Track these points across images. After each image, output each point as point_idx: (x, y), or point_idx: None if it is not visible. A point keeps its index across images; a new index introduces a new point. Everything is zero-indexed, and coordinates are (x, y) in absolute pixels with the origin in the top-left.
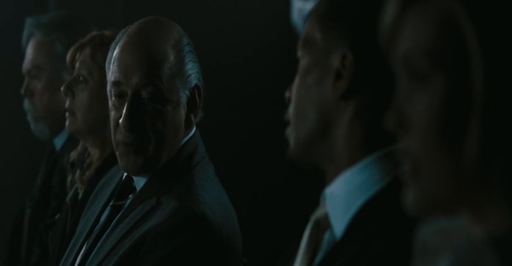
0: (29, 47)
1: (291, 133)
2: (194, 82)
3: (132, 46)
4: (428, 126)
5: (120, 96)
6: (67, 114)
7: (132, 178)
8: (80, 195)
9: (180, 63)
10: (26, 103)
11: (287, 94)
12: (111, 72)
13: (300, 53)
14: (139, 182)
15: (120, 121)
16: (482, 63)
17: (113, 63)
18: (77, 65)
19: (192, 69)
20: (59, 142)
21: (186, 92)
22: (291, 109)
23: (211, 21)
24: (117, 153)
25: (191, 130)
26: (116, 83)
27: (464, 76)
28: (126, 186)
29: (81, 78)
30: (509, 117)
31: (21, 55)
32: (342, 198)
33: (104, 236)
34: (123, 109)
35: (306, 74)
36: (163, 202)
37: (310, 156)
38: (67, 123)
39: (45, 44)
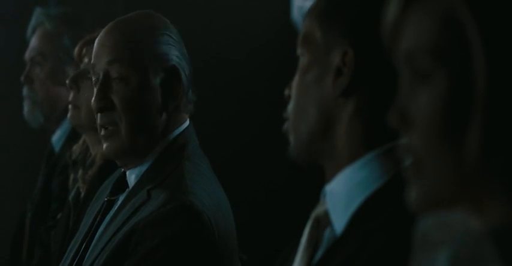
0: (35, 35)
1: (291, 131)
2: (170, 64)
3: (105, 31)
4: (430, 122)
5: (96, 81)
6: (70, 106)
7: (126, 173)
8: (82, 194)
9: (153, 44)
10: (25, 90)
11: (287, 92)
12: None
13: (299, 51)
14: (131, 176)
15: (91, 103)
16: (484, 60)
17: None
18: (85, 60)
19: (168, 51)
20: (57, 143)
21: (160, 74)
22: (291, 107)
23: (211, 19)
24: (102, 141)
25: (183, 123)
26: (92, 66)
27: (466, 73)
28: (120, 181)
29: (88, 74)
30: (510, 114)
31: (21, 54)
32: (342, 195)
33: (99, 232)
34: None
35: (305, 72)
36: (153, 196)
37: (310, 154)
38: (69, 115)
39: (54, 34)
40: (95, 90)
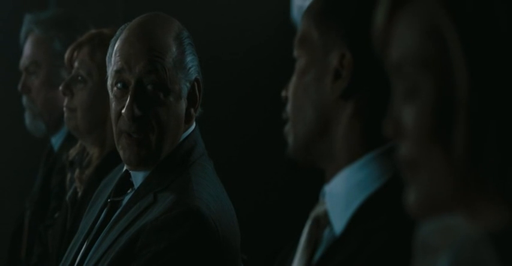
0: (27, 43)
1: (289, 131)
2: (194, 75)
3: (134, 37)
4: (420, 130)
5: (123, 86)
6: (65, 109)
7: (130, 173)
8: (79, 194)
9: (181, 54)
10: (25, 100)
11: (284, 93)
12: (113, 63)
13: (296, 53)
14: (137, 177)
15: (123, 110)
16: (465, 68)
17: (115, 55)
18: (76, 64)
19: (192, 62)
20: (56, 142)
21: (187, 84)
22: (289, 109)
23: (211, 19)
24: (119, 146)
25: (191, 126)
26: (118, 71)
27: (450, 81)
28: (124, 182)
29: (79, 78)
30: (494, 119)
31: (20, 54)
32: (341, 195)
33: (103, 233)
34: (125, 100)
35: (303, 73)
36: (159, 199)
37: (309, 155)
38: (65, 117)
39: (44, 40)
40: (128, 97)
